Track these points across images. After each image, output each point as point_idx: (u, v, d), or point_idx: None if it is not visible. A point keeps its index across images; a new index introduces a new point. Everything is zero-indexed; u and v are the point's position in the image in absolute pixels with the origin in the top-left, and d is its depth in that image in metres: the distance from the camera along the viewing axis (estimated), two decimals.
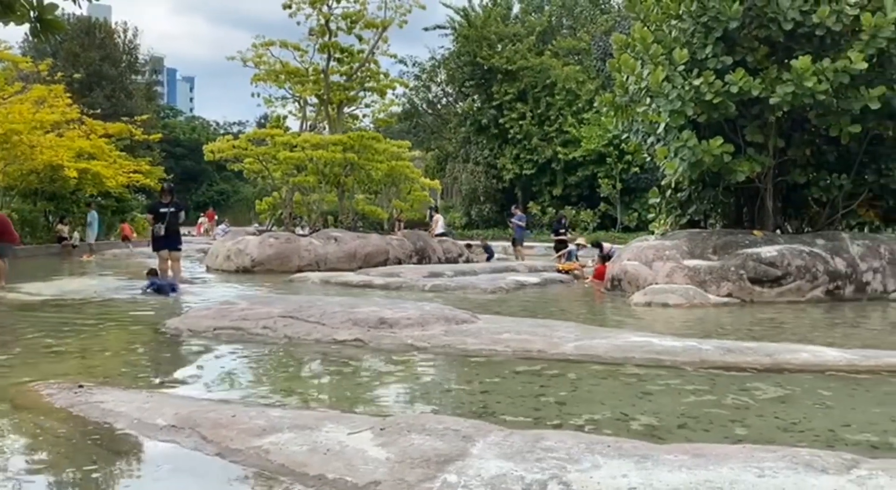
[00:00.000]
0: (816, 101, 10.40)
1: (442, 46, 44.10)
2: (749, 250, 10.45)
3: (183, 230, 12.74)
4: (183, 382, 4.99)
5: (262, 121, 54.09)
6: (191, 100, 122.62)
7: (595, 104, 15.56)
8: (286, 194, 19.38)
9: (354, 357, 5.73)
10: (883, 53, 10.49)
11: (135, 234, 25.47)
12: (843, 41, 10.68)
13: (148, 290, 10.45)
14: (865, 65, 10.06)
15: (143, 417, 3.77)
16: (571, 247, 15.76)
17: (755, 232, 11.39)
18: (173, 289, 10.72)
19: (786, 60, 10.70)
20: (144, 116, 30.43)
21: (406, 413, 4.05)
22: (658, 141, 12.33)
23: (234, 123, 72.41)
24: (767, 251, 10.37)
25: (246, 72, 30.23)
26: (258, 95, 25.17)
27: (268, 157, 18.63)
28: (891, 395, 4.52)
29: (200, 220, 41.17)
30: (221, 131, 64.10)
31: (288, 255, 15.63)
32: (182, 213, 12.25)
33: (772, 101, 10.41)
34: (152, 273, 11.19)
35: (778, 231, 12.28)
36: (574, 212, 31.65)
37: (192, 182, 57.78)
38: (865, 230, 12.96)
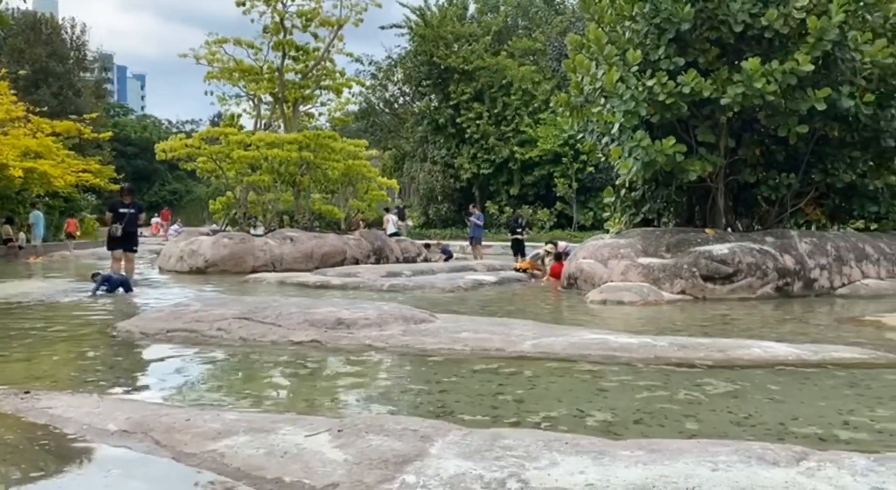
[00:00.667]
0: (765, 102, 10.65)
1: (398, 45, 44.04)
2: (701, 248, 10.65)
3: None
4: (135, 386, 4.89)
5: (216, 119, 53.32)
6: (142, 98, 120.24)
7: (551, 104, 15.70)
8: (240, 194, 19.12)
9: (311, 358, 5.68)
10: (828, 56, 10.80)
11: (78, 232, 24.86)
12: (791, 43, 10.96)
13: (99, 292, 10.20)
14: (812, 67, 10.34)
15: (94, 422, 3.67)
16: (541, 251, 15.88)
17: (707, 230, 11.62)
18: (128, 287, 10.50)
19: (736, 62, 10.94)
20: (93, 115, 29.69)
21: (364, 414, 4.02)
22: (612, 141, 12.49)
23: (187, 122, 71.31)
24: (719, 249, 10.59)
25: (199, 70, 29.78)
26: (211, 94, 24.86)
27: (221, 156, 18.35)
28: (837, 388, 4.65)
29: (154, 220, 40.46)
30: (174, 130, 63.04)
31: (242, 255, 15.42)
32: (142, 215, 12.07)
33: (723, 101, 10.62)
34: (97, 275, 10.95)
35: (729, 229, 12.55)
36: (531, 211, 31.88)
37: (144, 182, 56.61)
38: (813, 228, 13.32)
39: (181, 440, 3.32)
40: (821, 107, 10.67)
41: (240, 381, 5.04)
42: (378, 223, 25.00)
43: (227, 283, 12.60)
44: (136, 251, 11.81)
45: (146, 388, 4.85)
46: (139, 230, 12.79)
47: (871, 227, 13.83)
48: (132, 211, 11.54)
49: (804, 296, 10.67)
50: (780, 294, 10.56)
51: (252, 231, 18.49)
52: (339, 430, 3.24)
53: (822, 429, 3.70)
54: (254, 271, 14.43)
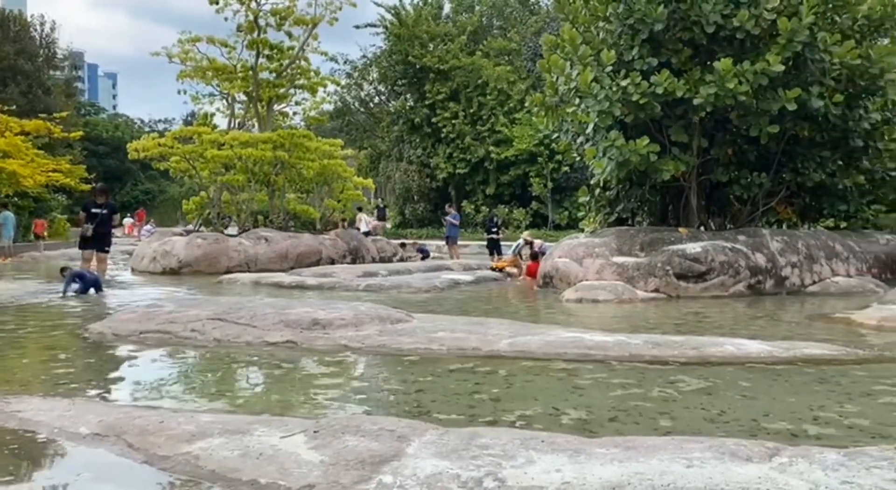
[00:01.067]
0: (737, 102, 10.78)
1: (373, 45, 43.82)
2: (675, 247, 10.76)
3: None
4: (107, 389, 4.82)
5: (189, 118, 52.80)
6: (113, 97, 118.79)
7: (526, 104, 15.77)
8: (214, 193, 18.95)
9: (287, 359, 5.64)
10: (799, 56, 10.96)
11: (46, 233, 24.47)
12: (762, 44, 11.10)
13: (70, 293, 10.06)
14: (782, 67, 10.49)
15: (65, 426, 3.62)
16: (519, 241, 15.96)
17: (680, 229, 11.73)
18: (98, 288, 10.37)
19: (708, 62, 11.06)
20: (64, 113, 29.23)
21: (340, 414, 4.00)
22: (587, 141, 12.57)
23: (160, 121, 70.61)
24: (692, 248, 10.70)
25: (171, 68, 29.52)
26: (184, 92, 24.65)
27: (195, 156, 18.17)
28: (808, 384, 4.72)
29: (126, 220, 39.96)
30: (146, 129, 62.36)
31: (217, 255, 15.29)
32: (116, 215, 11.89)
33: (695, 101, 10.74)
34: (66, 270, 10.80)
35: (702, 228, 12.69)
36: (507, 210, 32.00)
37: (116, 181, 55.88)
38: (784, 227, 13.52)
39: (154, 443, 3.29)
40: (791, 107, 10.83)
41: (214, 383, 5.00)
42: (350, 223, 24.94)
43: (201, 284, 12.48)
44: (108, 251, 11.66)
45: (119, 390, 4.79)
46: (113, 231, 12.64)
47: (841, 226, 14.06)
48: (104, 211, 11.39)
49: (776, 293, 10.82)
50: (752, 292, 10.70)
51: (226, 231, 18.33)
52: (314, 431, 3.23)
53: (794, 424, 3.76)
54: (228, 272, 14.32)
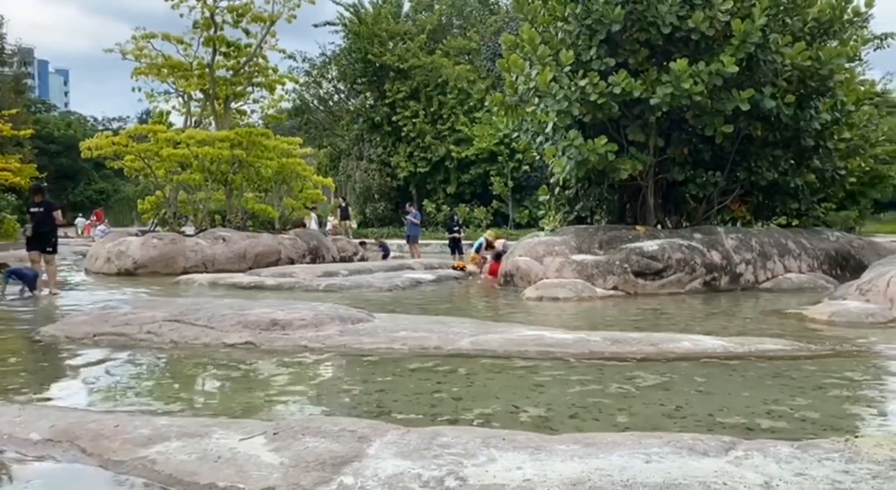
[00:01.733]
0: (693, 102, 10.95)
1: (332, 42, 43.67)
2: (632, 245, 10.90)
3: (60, 232, 11.99)
4: (60, 393, 4.70)
5: (144, 116, 51.85)
6: (65, 94, 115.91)
7: (486, 103, 15.84)
8: (170, 193, 18.63)
9: (245, 361, 5.57)
10: (752, 58, 11.18)
11: None
12: (716, 46, 11.30)
13: (9, 294, 9.87)
14: (736, 68, 10.69)
15: (15, 432, 3.51)
16: (481, 239, 16.01)
17: (638, 227, 11.89)
18: (32, 286, 10.17)
19: (665, 63, 11.22)
20: (13, 111, 28.50)
21: (300, 416, 3.97)
22: (547, 140, 12.65)
23: (114, 119, 69.14)
24: (649, 245, 10.85)
25: (126, 65, 28.88)
26: (139, 90, 24.21)
27: (150, 155, 17.83)
28: (761, 379, 4.82)
29: (79, 220, 39.08)
30: (100, 127, 61.00)
31: (173, 256, 15.04)
32: (58, 213, 11.54)
33: (652, 101, 10.88)
34: (4, 266, 10.55)
35: (659, 226, 12.87)
36: (468, 209, 32.08)
37: (69, 181, 54.61)
38: (738, 224, 13.79)
39: (109, 448, 3.21)
40: (745, 107, 11.05)
41: (171, 385, 4.91)
42: (321, 223, 24.81)
43: (158, 285, 12.26)
44: (52, 252, 11.27)
45: (72, 394, 4.67)
46: (61, 230, 12.30)
47: (793, 224, 14.41)
48: (41, 210, 11.06)
49: (731, 290, 11.03)
50: (707, 288, 10.90)
51: (182, 231, 18.04)
52: (274, 433, 3.19)
53: (749, 418, 3.83)
54: (185, 272, 14.10)
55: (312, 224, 21.92)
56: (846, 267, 12.44)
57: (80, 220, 39.74)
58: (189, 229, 18.73)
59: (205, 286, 11.97)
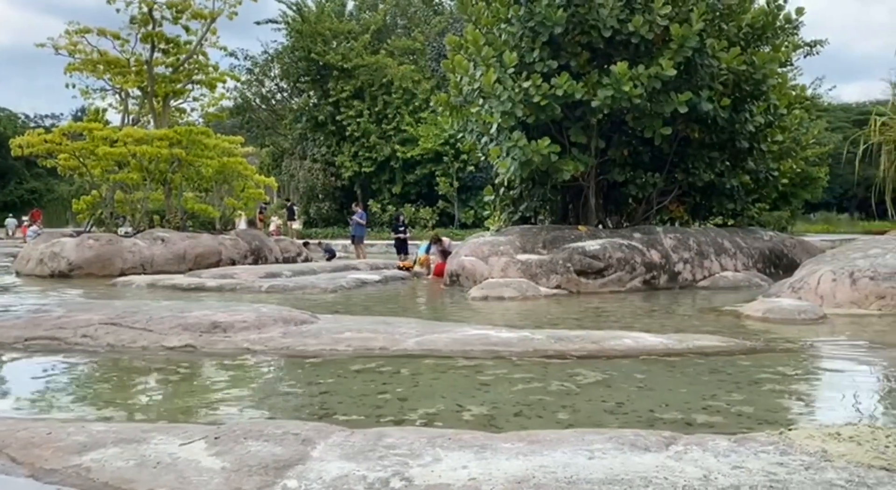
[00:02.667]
0: (633, 105, 11.17)
1: (275, 41, 43.07)
2: (575, 244, 11.06)
3: None
4: None
5: (79, 114, 50.26)
6: None
7: (431, 104, 15.86)
8: (107, 192, 18.09)
9: (186, 364, 5.45)
10: (689, 61, 11.47)
11: None
12: (656, 49, 11.55)
13: None
14: (675, 72, 10.95)
15: None
16: (425, 242, 15.99)
17: (580, 227, 12.07)
18: None
19: (606, 66, 11.41)
20: None
21: (242, 419, 3.90)
22: (491, 141, 12.74)
23: (47, 116, 66.79)
24: (591, 245, 11.02)
25: (59, 61, 27.96)
26: (73, 87, 23.41)
27: (85, 153, 17.28)
28: (699, 374, 4.94)
29: (8, 221, 37.65)
30: (31, 124, 58.83)
31: (110, 257, 14.64)
32: None
33: (593, 104, 11.06)
34: None
35: (600, 226, 13.10)
36: (413, 209, 32.05)
37: None
38: (676, 224, 14.12)
39: (41, 456, 3.10)
40: (683, 110, 11.32)
41: (108, 391, 4.77)
42: (251, 222, 24.43)
43: (93, 287, 11.90)
44: None
45: (1, 401, 4.49)
46: None
47: (729, 223, 14.83)
48: None
49: (670, 288, 11.29)
50: (647, 287, 11.13)
51: (119, 232, 17.55)
52: (215, 437, 3.13)
53: (688, 414, 3.92)
54: (122, 274, 13.74)
55: (241, 224, 21.59)
56: (779, 265, 12.87)
57: (10, 221, 38.33)
58: (126, 230, 18.23)
59: (143, 288, 11.67)
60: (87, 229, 17.83)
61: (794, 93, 18.43)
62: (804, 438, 2.76)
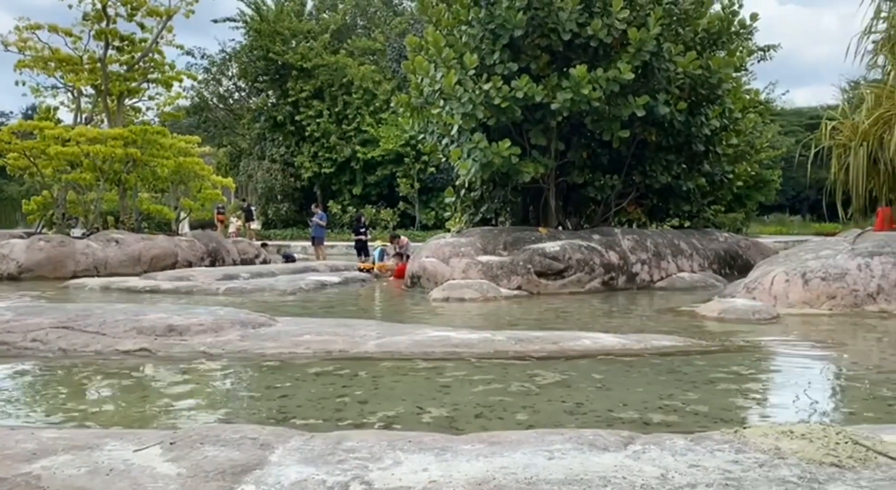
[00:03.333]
0: (591, 108, 11.28)
1: (233, 39, 42.47)
2: (535, 246, 11.13)
3: None
4: None
5: (30, 112, 48.91)
6: None
7: (392, 104, 15.82)
8: (59, 193, 17.68)
9: (140, 368, 5.34)
10: (647, 65, 11.63)
11: None
12: (614, 53, 11.69)
13: None
14: (632, 75, 11.09)
15: None
16: (379, 249, 15.91)
17: (540, 229, 12.15)
18: None
19: (565, 69, 11.51)
20: None
21: (199, 424, 3.83)
22: (452, 142, 12.76)
23: None
24: (551, 246, 11.11)
25: (8, 58, 27.22)
26: (24, 84, 22.84)
27: (36, 152, 16.87)
28: (657, 374, 5.01)
29: None
30: None
31: (62, 259, 14.30)
32: None
33: (553, 106, 11.14)
34: None
35: (560, 228, 13.20)
36: (374, 211, 31.91)
37: None
38: (634, 226, 14.32)
39: None
40: (640, 113, 11.48)
41: (60, 396, 4.65)
42: (208, 224, 24.13)
43: (44, 290, 11.61)
44: None
45: None
46: None
47: (685, 225, 15.07)
48: None
49: (628, 289, 11.43)
50: (606, 288, 11.25)
51: (72, 233, 17.13)
52: (171, 443, 3.06)
53: (645, 413, 3.97)
54: (75, 276, 13.44)
55: (184, 227, 21.32)
56: (734, 266, 13.13)
57: None
58: (79, 231, 17.82)
59: (97, 291, 11.42)
60: (38, 231, 17.39)
61: (748, 97, 18.84)
62: (758, 436, 2.81)
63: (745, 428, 2.95)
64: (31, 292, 11.38)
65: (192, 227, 23.29)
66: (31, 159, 17.06)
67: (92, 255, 14.75)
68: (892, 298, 8.01)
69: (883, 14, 11.56)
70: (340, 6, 38.92)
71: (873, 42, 11.71)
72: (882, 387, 4.64)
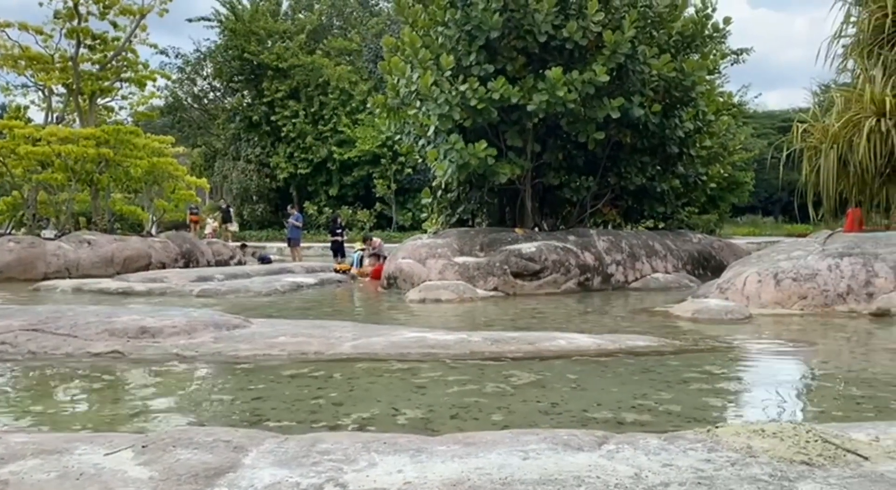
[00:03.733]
0: (567, 110, 11.34)
1: (207, 39, 42.07)
2: (511, 247, 11.16)
3: None
4: None
5: (0, 111, 48.14)
6: None
7: (368, 105, 15.77)
8: (29, 193, 17.40)
9: (112, 371, 5.27)
10: (622, 68, 11.72)
11: None
12: (589, 55, 11.77)
13: None
14: (608, 77, 11.17)
15: None
16: (357, 253, 15.83)
17: (517, 230, 12.19)
18: None
19: (541, 70, 11.57)
20: None
21: (171, 427, 3.79)
22: (429, 143, 12.76)
23: None
24: (527, 247, 11.15)
25: None
26: None
27: (6, 152, 16.59)
28: (631, 374, 5.05)
29: None
30: None
31: (32, 261, 14.09)
32: None
33: (529, 108, 11.19)
34: None
35: (536, 229, 13.26)
36: (351, 212, 31.79)
37: None
38: (609, 227, 14.42)
39: None
40: (615, 115, 11.56)
41: (28, 400, 4.57)
42: (182, 225, 23.90)
43: (14, 292, 11.42)
44: None
45: None
46: None
47: (659, 226, 15.22)
48: None
49: (603, 289, 11.50)
50: (581, 288, 11.32)
51: (43, 234, 16.88)
52: (143, 446, 3.03)
53: (619, 413, 4.00)
54: (46, 278, 13.25)
55: (154, 229, 21.13)
56: (708, 267, 13.27)
57: None
58: (50, 232, 17.56)
59: (68, 292, 11.27)
60: (8, 232, 17.11)
61: (721, 100, 19.08)
62: (730, 435, 2.84)
63: (717, 427, 2.98)
64: (0, 294, 11.19)
65: (165, 228, 23.05)
66: (1, 159, 16.78)
67: (63, 257, 14.54)
68: (860, 299, 8.15)
69: (852, 19, 11.76)
70: (316, 6, 38.75)
71: (843, 46, 11.92)
72: (851, 386, 4.71)
